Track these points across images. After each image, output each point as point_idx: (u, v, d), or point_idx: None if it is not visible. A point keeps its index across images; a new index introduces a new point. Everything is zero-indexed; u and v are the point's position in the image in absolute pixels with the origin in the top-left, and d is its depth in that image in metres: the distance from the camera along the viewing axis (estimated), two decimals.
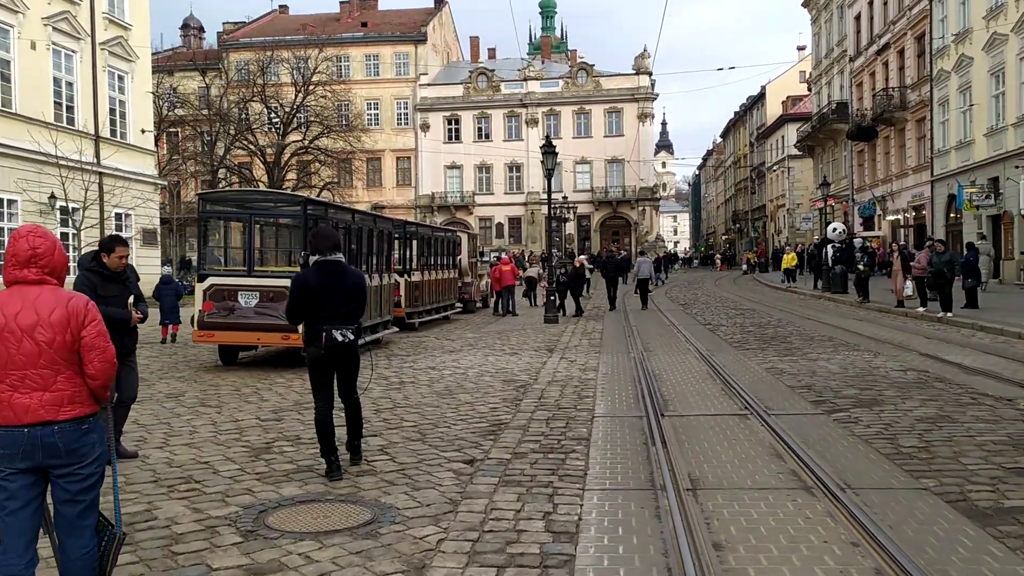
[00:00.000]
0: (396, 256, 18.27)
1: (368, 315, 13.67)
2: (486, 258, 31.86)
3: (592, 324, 19.11)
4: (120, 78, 32.82)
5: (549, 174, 19.94)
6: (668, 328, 17.84)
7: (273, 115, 49.09)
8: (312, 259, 6.28)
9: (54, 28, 28.65)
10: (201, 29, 73.59)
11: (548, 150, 19.67)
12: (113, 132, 32.13)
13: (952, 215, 33.41)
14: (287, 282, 11.00)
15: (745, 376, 10.52)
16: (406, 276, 17.44)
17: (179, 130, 52.30)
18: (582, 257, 22.31)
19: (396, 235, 17.77)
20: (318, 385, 6.28)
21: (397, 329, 15.99)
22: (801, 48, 75.29)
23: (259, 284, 11.03)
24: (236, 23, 71.25)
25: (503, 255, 25.41)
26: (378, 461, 6.48)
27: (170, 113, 49.65)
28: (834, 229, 33.78)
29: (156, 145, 48.00)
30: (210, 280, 10.93)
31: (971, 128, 30.72)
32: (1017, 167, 25.59)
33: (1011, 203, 27.42)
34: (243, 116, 49.33)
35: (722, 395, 9.27)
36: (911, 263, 19.66)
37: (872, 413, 7.94)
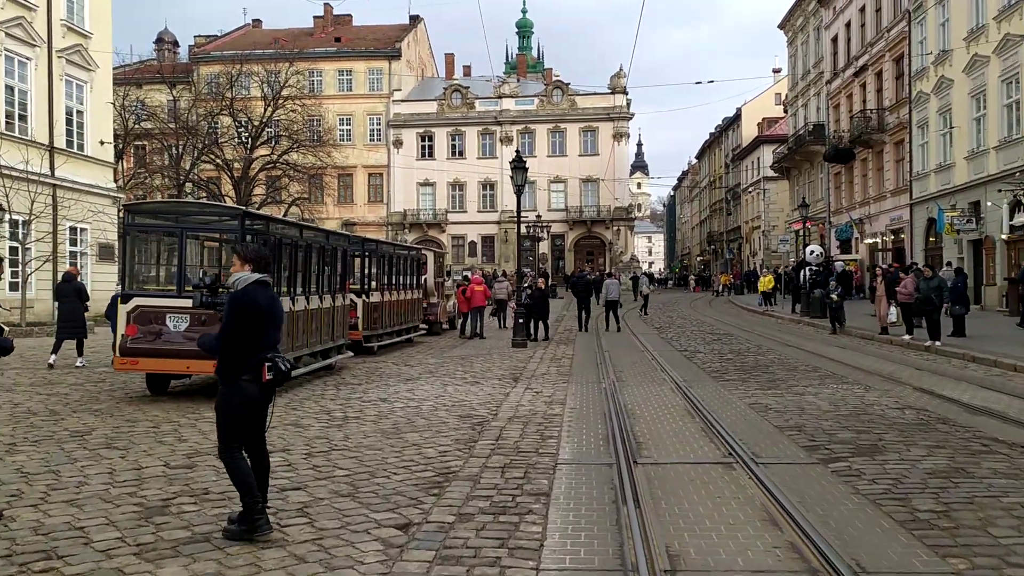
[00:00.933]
0: (354, 275, 17.17)
1: (318, 338, 12.56)
2: (456, 277, 30.74)
3: (562, 349, 18.08)
4: (79, 87, 31.47)
5: (519, 190, 18.96)
6: (642, 354, 16.85)
7: (241, 128, 47.92)
8: (248, 279, 5.22)
9: (7, 34, 27.35)
10: (175, 44, 72.12)
11: (518, 165, 18.70)
12: (70, 143, 30.75)
13: (932, 239, 32.86)
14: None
15: (727, 413, 9.51)
16: (364, 297, 16.32)
17: (146, 143, 51.05)
18: (540, 279, 21.21)
19: (354, 252, 16.66)
20: (240, 430, 5.22)
21: (352, 354, 14.84)
22: (776, 70, 75.41)
23: (190, 306, 9.87)
24: (208, 36, 70.10)
25: (472, 274, 24.34)
26: (293, 526, 5.36)
27: (136, 126, 48.25)
28: (812, 252, 33.17)
29: (121, 158, 46.78)
30: (135, 301, 9.76)
31: (951, 151, 30.21)
32: (1000, 191, 25.01)
33: (993, 228, 26.84)
34: (211, 129, 48.18)
35: (702, 436, 8.25)
36: (896, 288, 18.85)
37: (875, 464, 6.94)
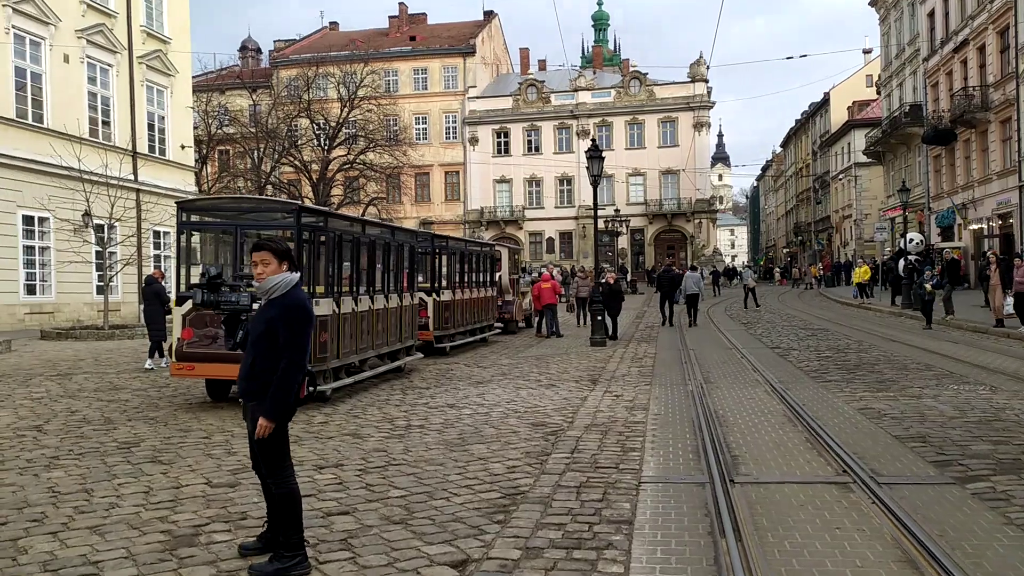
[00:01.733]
0: (425, 273, 16.53)
1: (384, 340, 11.92)
2: (533, 274, 29.95)
3: (643, 347, 17.05)
4: (159, 92, 31.97)
5: (595, 181, 17.99)
6: (730, 352, 15.69)
7: (319, 130, 48.26)
8: (292, 280, 4.51)
9: (88, 41, 27.84)
10: (258, 51, 73.53)
11: (594, 155, 17.75)
12: (151, 148, 31.26)
13: None
14: None
15: (834, 420, 8.41)
16: (435, 295, 15.65)
17: (229, 148, 52.08)
18: (611, 273, 19.69)
19: (423, 250, 16.01)
20: (288, 448, 4.62)
21: (421, 355, 14.18)
22: (867, 51, 72.07)
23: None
24: (287, 41, 71.17)
25: (544, 271, 23.48)
26: (333, 561, 4.62)
27: (219, 131, 49.17)
28: (911, 240, 31.15)
29: (206, 163, 47.72)
30: (190, 303, 9.27)
31: None
32: None
33: None
34: (289, 132, 48.75)
35: (808, 449, 7.20)
36: (1015, 277, 17.15)
37: None
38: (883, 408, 9.06)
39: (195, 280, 9.80)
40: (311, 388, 4.40)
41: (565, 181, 62.20)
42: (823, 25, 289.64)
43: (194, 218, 10.17)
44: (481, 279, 19.20)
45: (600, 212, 61.36)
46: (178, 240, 9.82)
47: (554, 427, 8.51)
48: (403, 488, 6.11)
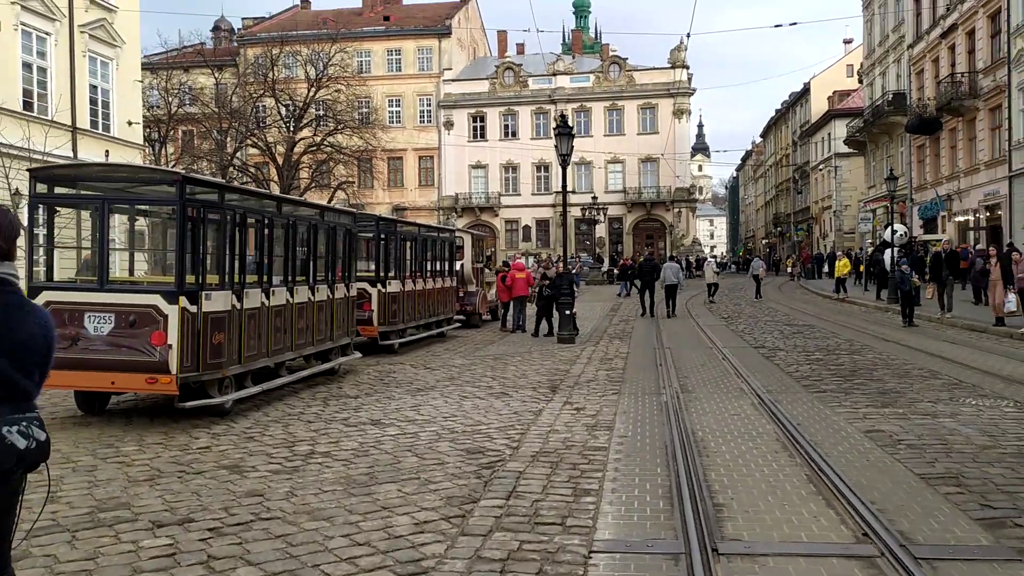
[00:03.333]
0: (370, 261, 14.79)
1: (308, 339, 10.18)
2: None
3: (615, 346, 15.43)
4: (103, 64, 29.81)
5: (565, 161, 16.29)
6: (710, 352, 14.11)
7: (284, 110, 46.21)
8: None
9: (23, 7, 25.71)
10: (232, 31, 70.95)
11: (563, 131, 16.05)
12: (94, 123, 29.19)
13: None
14: (157, 299, 7.55)
15: (839, 449, 6.82)
16: (380, 286, 13.90)
17: (192, 128, 49.98)
18: (558, 264, 17.61)
19: (367, 234, 14.26)
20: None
21: (360, 355, 12.45)
22: (848, 41, 70.86)
23: (115, 302, 7.57)
24: (256, 19, 68.82)
25: (518, 259, 21.77)
26: None
27: (179, 110, 47.01)
28: (895, 231, 29.83)
29: (165, 143, 45.58)
30: (44, 296, 7.50)
31: None
32: None
33: None
34: (254, 113, 46.72)
35: (812, 494, 5.59)
36: (1020, 271, 15.68)
37: None
38: (894, 431, 7.48)
39: (70, 269, 8.02)
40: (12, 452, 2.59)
41: (543, 167, 60.38)
42: (806, 15, 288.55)
43: (57, 190, 8.29)
44: (439, 268, 17.47)
45: (578, 199, 59.80)
46: (30, 218, 7.94)
47: (493, 456, 6.84)
48: (256, 565, 4.41)
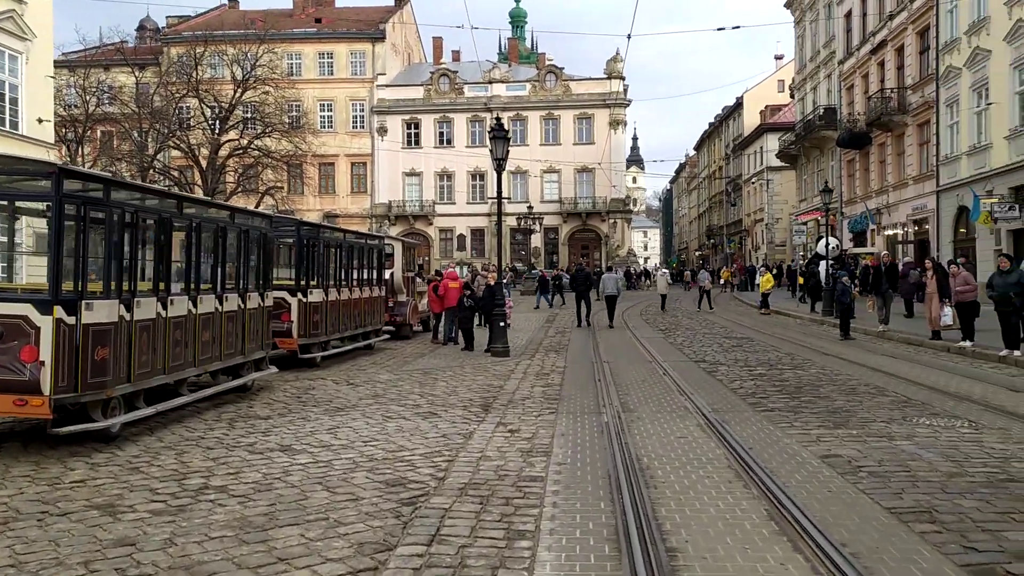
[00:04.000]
0: (291, 269, 13.79)
1: (215, 353, 9.21)
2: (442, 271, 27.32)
3: (551, 359, 14.75)
4: (12, 58, 28.01)
5: (499, 166, 15.58)
6: (650, 367, 13.52)
7: (209, 110, 44.51)
8: None
9: None
10: (158, 30, 68.43)
11: (498, 134, 15.34)
12: (0, 120, 27.40)
13: (962, 230, 29.63)
14: (27, 309, 6.53)
15: (797, 477, 6.21)
16: (300, 295, 12.93)
17: (112, 129, 47.81)
18: (492, 273, 16.66)
19: (286, 240, 13.29)
20: None
21: (276, 370, 11.47)
22: (779, 57, 72.19)
23: None
24: (181, 17, 66.53)
25: (450, 268, 20.94)
26: None
27: (97, 109, 44.87)
28: (828, 244, 29.95)
29: (82, 144, 43.42)
30: None
31: (988, 131, 26.93)
32: None
33: None
34: (176, 113, 44.88)
35: (775, 534, 4.94)
36: (956, 285, 15.54)
37: None
38: (852, 455, 6.93)
39: None
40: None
41: (478, 176, 59.67)
42: (738, 32, 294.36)
43: None
44: (367, 277, 16.54)
45: (513, 209, 59.02)
46: None
47: (416, 489, 6.04)
48: None
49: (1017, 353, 13.27)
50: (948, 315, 16.20)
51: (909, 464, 6.57)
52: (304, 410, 9.41)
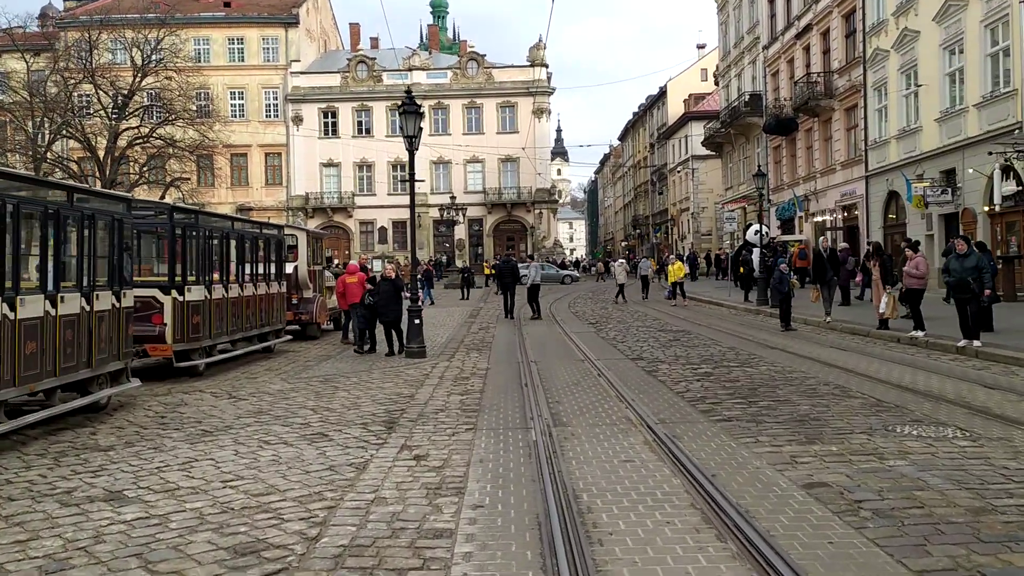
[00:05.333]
0: (163, 263, 11.84)
1: (51, 367, 7.31)
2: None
3: (473, 360, 13.16)
4: None
5: (412, 144, 13.88)
6: (582, 367, 12.05)
7: (106, 97, 41.38)
8: None
9: None
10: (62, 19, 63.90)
11: (408, 109, 13.62)
12: None
13: (892, 215, 29.21)
14: None
15: (782, 521, 4.76)
16: (175, 294, 11.00)
17: (3, 117, 44.27)
18: (390, 267, 14.71)
19: (152, 229, 11.36)
20: None
21: (139, 382, 9.55)
22: (701, 46, 72.02)
23: None
24: (80, 1, 62.41)
25: (351, 262, 19.10)
26: None
27: None
28: (756, 232, 29.14)
29: None
30: None
31: (918, 114, 26.43)
32: (991, 153, 21.10)
33: (972, 199, 23.09)
34: (70, 101, 41.59)
35: None
36: (906, 269, 14.53)
37: None
38: (842, 483, 5.52)
39: None
40: None
41: (399, 166, 57.39)
42: (661, 27, 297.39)
43: None
44: (264, 271, 14.64)
45: (436, 200, 57.28)
46: None
47: (273, 560, 4.35)
48: None
49: (977, 343, 12.26)
50: (884, 304, 15.22)
51: (916, 495, 5.19)
52: (161, 436, 7.58)
